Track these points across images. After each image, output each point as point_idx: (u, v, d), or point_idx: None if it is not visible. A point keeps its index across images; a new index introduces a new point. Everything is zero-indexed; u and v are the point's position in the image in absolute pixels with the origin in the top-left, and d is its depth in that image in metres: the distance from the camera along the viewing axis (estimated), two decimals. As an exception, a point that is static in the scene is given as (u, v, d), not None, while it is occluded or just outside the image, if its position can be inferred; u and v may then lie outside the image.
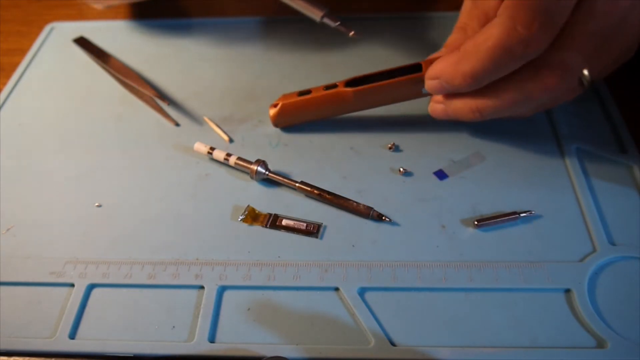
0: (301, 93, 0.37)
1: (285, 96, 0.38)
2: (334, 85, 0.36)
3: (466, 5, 0.35)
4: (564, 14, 0.28)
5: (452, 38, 0.35)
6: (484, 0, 0.33)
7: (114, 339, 0.28)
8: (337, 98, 0.36)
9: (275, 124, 0.38)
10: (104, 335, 0.28)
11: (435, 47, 0.39)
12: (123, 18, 0.50)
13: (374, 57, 0.43)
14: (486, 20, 0.32)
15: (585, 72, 0.30)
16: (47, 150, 0.38)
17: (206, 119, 0.39)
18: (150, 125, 0.39)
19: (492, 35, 0.29)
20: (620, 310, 0.28)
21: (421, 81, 0.34)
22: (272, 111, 0.38)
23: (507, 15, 0.28)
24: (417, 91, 0.35)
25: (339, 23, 0.34)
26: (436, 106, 0.35)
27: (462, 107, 0.33)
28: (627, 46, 0.32)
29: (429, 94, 0.34)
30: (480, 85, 0.31)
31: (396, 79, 0.35)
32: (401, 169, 0.35)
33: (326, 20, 0.34)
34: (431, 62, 0.33)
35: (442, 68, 0.32)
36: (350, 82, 0.36)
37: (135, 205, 0.34)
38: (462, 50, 0.31)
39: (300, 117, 0.38)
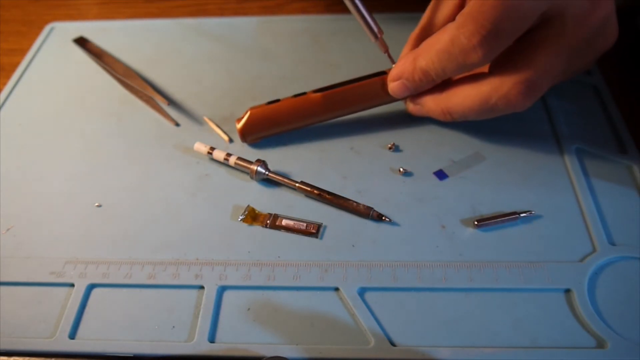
0: (269, 102, 0.37)
1: (252, 107, 0.37)
2: (303, 93, 0.36)
3: (424, 20, 0.36)
4: (511, 35, 0.29)
5: (405, 50, 0.36)
6: (441, 13, 0.35)
7: (114, 339, 0.28)
8: (307, 104, 0.36)
9: (244, 137, 0.37)
10: (104, 335, 0.28)
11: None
12: (123, 18, 0.50)
13: (374, 57, 0.43)
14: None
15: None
16: (47, 150, 0.38)
17: (206, 118, 0.39)
18: (150, 125, 0.39)
19: (440, 39, 0.31)
20: (620, 311, 0.28)
21: (386, 83, 0.35)
22: (239, 124, 0.36)
23: (457, 23, 0.30)
24: (387, 95, 0.35)
25: (387, 52, 0.35)
26: (412, 106, 0.36)
27: (434, 108, 0.35)
28: (588, 62, 0.34)
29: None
30: (436, 82, 0.33)
31: (361, 82, 0.35)
32: (401, 169, 0.35)
33: (378, 44, 0.35)
34: None
35: (402, 67, 0.34)
36: (319, 90, 0.36)
37: (135, 205, 0.34)
38: (419, 48, 0.33)
39: (270, 127, 0.37)
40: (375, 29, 0.34)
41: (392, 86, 0.35)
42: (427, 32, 0.35)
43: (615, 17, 0.32)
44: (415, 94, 0.35)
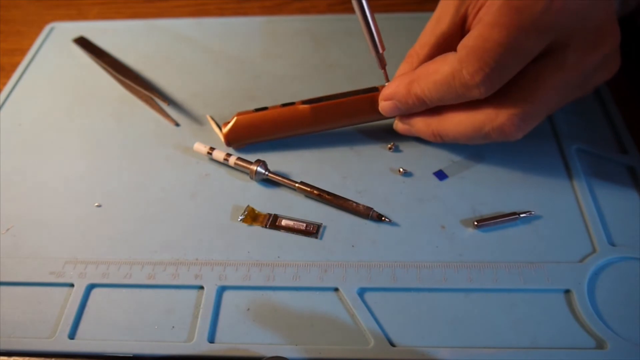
0: (257, 110, 0.36)
1: (239, 112, 0.36)
2: (292, 103, 0.36)
3: (424, 37, 0.34)
4: (514, 70, 0.29)
5: (403, 68, 0.35)
6: (442, 30, 0.33)
7: (113, 339, 0.28)
8: (295, 115, 0.36)
9: (228, 142, 0.37)
10: (103, 335, 0.28)
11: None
12: (123, 18, 0.50)
13: (374, 57, 0.43)
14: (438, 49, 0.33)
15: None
16: (47, 150, 0.38)
17: (209, 117, 0.39)
18: (150, 125, 0.39)
19: (439, 70, 0.31)
20: (620, 311, 0.28)
21: (376, 101, 0.35)
22: (225, 128, 0.36)
23: (458, 56, 0.29)
24: (376, 113, 0.35)
25: (384, 68, 0.35)
26: (400, 125, 0.36)
27: (424, 130, 0.34)
28: (587, 91, 0.33)
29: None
30: (429, 107, 0.33)
31: (352, 97, 0.35)
32: (401, 169, 0.35)
33: (377, 58, 0.34)
34: None
35: (395, 88, 0.33)
36: (308, 102, 0.36)
37: (135, 205, 0.34)
38: (415, 73, 0.32)
39: (255, 134, 0.36)
40: (379, 45, 0.34)
41: (383, 105, 0.34)
42: (426, 52, 0.33)
43: (619, 50, 0.31)
44: (406, 115, 0.35)
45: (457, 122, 0.32)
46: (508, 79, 0.29)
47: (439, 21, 0.33)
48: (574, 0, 0.28)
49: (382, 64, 0.34)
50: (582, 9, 0.28)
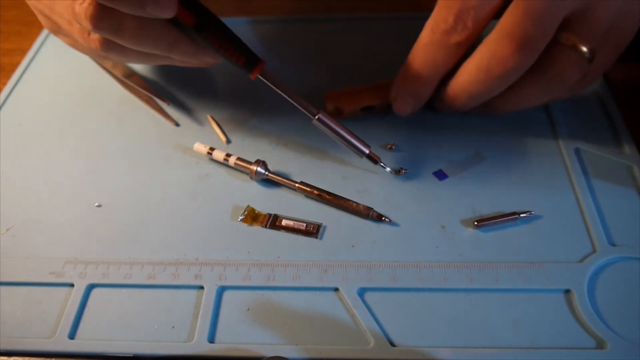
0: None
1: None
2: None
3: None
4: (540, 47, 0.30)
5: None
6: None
7: (113, 339, 0.28)
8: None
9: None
10: (103, 335, 0.28)
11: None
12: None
13: (374, 58, 0.43)
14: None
15: (584, 48, 0.31)
16: (47, 150, 0.38)
17: (210, 117, 0.39)
18: (150, 125, 0.39)
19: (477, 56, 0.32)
20: (620, 311, 0.28)
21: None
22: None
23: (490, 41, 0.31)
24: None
25: (379, 162, 0.35)
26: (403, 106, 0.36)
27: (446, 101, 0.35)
28: (627, 34, 0.33)
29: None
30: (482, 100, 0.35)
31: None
32: (401, 169, 0.35)
33: (368, 158, 0.35)
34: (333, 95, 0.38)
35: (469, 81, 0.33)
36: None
37: (135, 205, 0.34)
38: (466, 68, 0.33)
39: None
40: (362, 147, 0.34)
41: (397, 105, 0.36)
42: None
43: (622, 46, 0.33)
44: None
45: (465, 71, 0.33)
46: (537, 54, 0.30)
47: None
48: None
49: (376, 159, 0.34)
50: None
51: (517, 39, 0.30)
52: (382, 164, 0.34)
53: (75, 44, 0.35)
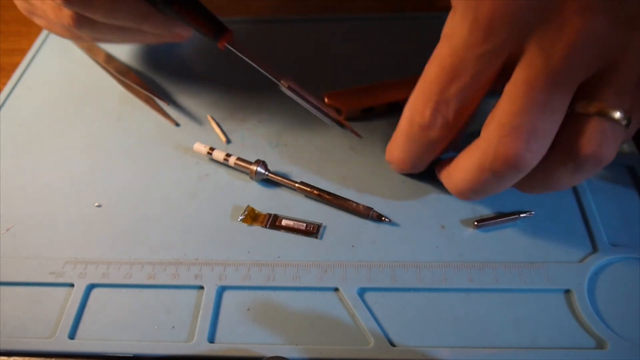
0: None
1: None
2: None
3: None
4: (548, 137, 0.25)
5: None
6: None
7: (113, 339, 0.28)
8: None
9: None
10: (103, 335, 0.28)
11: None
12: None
13: (374, 57, 0.43)
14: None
15: (617, 113, 0.24)
16: (47, 150, 0.38)
17: (209, 117, 0.39)
18: (150, 125, 0.39)
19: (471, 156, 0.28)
20: (620, 311, 0.28)
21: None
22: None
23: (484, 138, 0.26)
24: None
25: (348, 127, 0.35)
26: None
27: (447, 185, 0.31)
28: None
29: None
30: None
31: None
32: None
33: (337, 123, 0.35)
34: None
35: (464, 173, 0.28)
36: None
37: (135, 205, 0.34)
38: (451, 166, 0.30)
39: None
40: (330, 113, 0.34)
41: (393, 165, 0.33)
42: None
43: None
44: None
45: (462, 169, 0.28)
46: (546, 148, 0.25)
47: None
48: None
49: (345, 125, 0.34)
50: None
51: (523, 131, 0.24)
52: (351, 129, 0.34)
53: (49, 26, 0.35)
